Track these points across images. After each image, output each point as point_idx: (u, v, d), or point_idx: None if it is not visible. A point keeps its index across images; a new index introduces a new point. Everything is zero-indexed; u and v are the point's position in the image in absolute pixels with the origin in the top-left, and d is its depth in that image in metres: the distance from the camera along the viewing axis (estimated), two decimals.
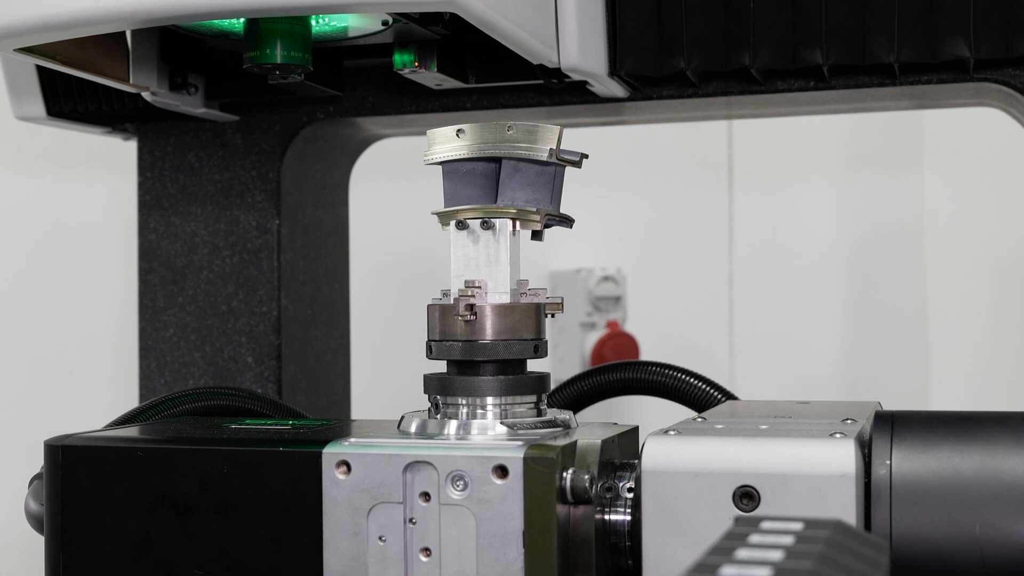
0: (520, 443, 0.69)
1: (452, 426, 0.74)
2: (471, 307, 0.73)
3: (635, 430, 0.79)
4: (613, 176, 2.04)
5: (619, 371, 0.93)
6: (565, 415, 0.77)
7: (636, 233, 2.20)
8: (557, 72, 0.95)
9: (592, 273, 2.03)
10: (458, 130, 0.76)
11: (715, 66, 0.96)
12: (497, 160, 0.75)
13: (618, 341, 2.03)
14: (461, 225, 0.75)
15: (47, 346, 1.48)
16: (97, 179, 1.52)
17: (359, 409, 1.32)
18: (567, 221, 0.77)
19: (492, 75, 1.01)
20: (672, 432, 0.71)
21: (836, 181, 2.48)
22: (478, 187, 0.76)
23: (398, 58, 0.93)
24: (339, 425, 0.80)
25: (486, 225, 0.75)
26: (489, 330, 0.74)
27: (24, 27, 0.76)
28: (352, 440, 0.71)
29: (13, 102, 1.14)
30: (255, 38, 0.86)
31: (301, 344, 1.19)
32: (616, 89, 1.00)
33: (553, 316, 0.77)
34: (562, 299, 0.77)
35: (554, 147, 0.74)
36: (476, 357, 0.74)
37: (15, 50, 0.80)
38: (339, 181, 1.27)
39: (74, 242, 1.50)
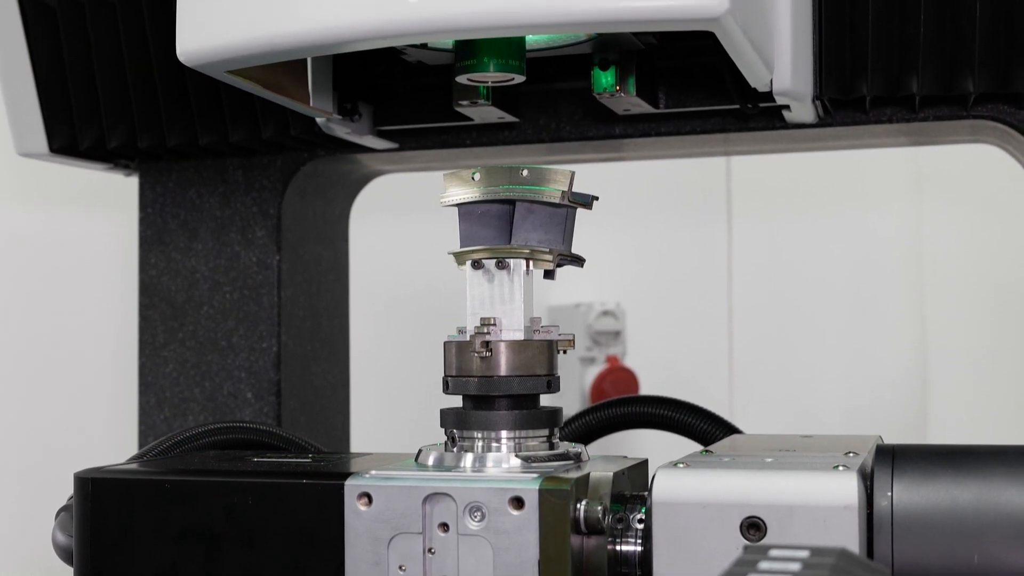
0: (535, 475, 0.75)
1: (468, 459, 0.79)
2: (487, 344, 0.79)
3: (644, 463, 0.85)
4: (612, 210, 2.09)
5: (627, 405, 1.00)
6: (577, 448, 0.83)
7: (635, 268, 2.26)
8: (753, 96, 1.00)
9: (592, 308, 2.09)
10: (473, 173, 0.82)
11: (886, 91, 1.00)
12: (511, 202, 0.82)
13: (618, 376, 2.08)
14: (477, 265, 0.81)
15: (48, 380, 1.52)
16: (98, 214, 1.57)
17: (358, 445, 1.36)
18: (578, 261, 0.83)
19: (683, 99, 1.05)
20: (681, 465, 0.77)
21: (834, 214, 2.54)
22: (493, 228, 0.82)
23: (601, 80, 0.97)
24: (358, 458, 0.86)
25: (501, 265, 0.81)
26: (504, 366, 0.80)
27: (258, 49, 0.81)
28: (373, 473, 0.77)
29: (15, 138, 1.18)
30: (469, 47, 0.89)
31: (301, 380, 1.24)
32: (808, 115, 1.05)
33: (565, 352, 0.83)
34: (573, 336, 0.83)
35: (566, 190, 0.81)
36: (492, 392, 0.80)
37: (226, 72, 0.86)
38: (339, 217, 1.32)
39: (75, 277, 1.55)
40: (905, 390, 2.56)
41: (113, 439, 1.50)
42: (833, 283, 2.53)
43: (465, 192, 0.82)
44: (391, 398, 1.66)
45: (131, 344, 1.28)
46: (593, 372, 2.10)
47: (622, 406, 1.00)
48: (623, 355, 2.16)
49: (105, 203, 1.55)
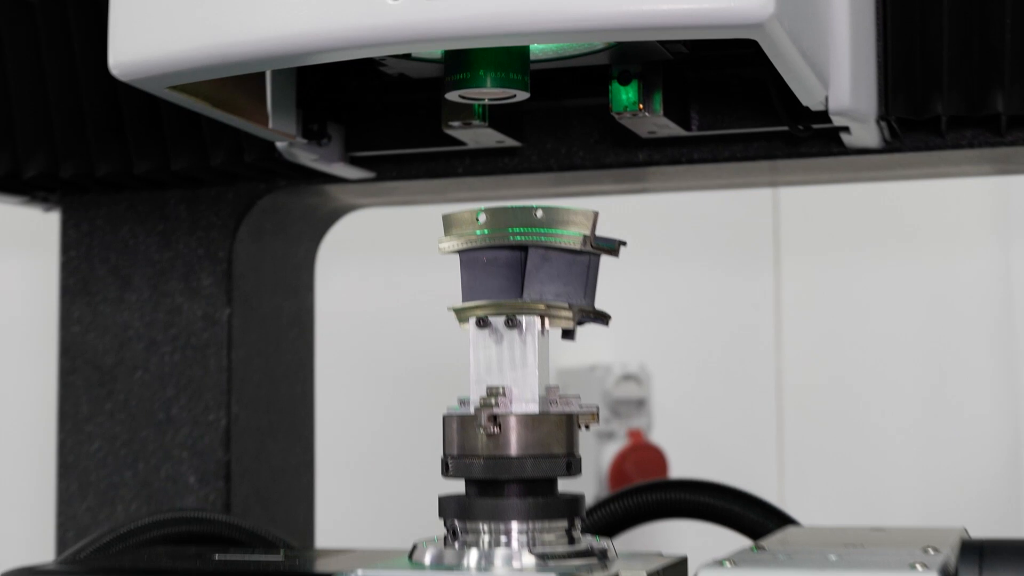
0: None
1: (473, 556, 0.79)
2: (495, 418, 0.79)
3: (683, 562, 0.86)
4: (634, 252, 2.10)
5: (660, 492, 1.00)
6: (602, 543, 0.83)
7: (663, 322, 2.27)
8: (804, 116, 1.01)
9: (610, 371, 2.09)
10: (478, 213, 0.82)
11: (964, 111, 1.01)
12: (523, 248, 0.82)
13: (642, 455, 2.08)
14: (482, 323, 0.81)
15: None
16: (10, 258, 1.58)
17: (324, 539, 1.36)
18: (603, 318, 0.84)
19: (719, 120, 1.06)
20: (728, 564, 0.77)
21: (904, 257, 2.55)
22: (501, 278, 0.82)
23: (621, 96, 0.97)
24: (338, 556, 0.86)
25: (511, 323, 0.81)
26: (515, 445, 0.80)
27: (206, 60, 0.81)
28: (360, 573, 0.77)
29: None
30: (462, 58, 0.89)
31: (255, 460, 1.24)
32: (871, 138, 1.06)
33: (587, 427, 0.83)
34: (597, 408, 0.83)
35: (588, 233, 0.81)
36: (501, 476, 0.80)
37: (168, 88, 0.86)
38: (303, 261, 1.33)
39: None
40: (994, 473, 2.55)
41: (25, 532, 1.49)
42: (904, 340, 2.54)
43: (469, 236, 0.83)
44: (365, 482, 1.66)
45: (49, 416, 1.28)
46: (612, 450, 2.10)
47: (654, 492, 1.01)
48: (648, 429, 2.16)
49: (18, 244, 1.56)
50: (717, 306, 2.38)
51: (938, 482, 2.52)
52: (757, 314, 2.43)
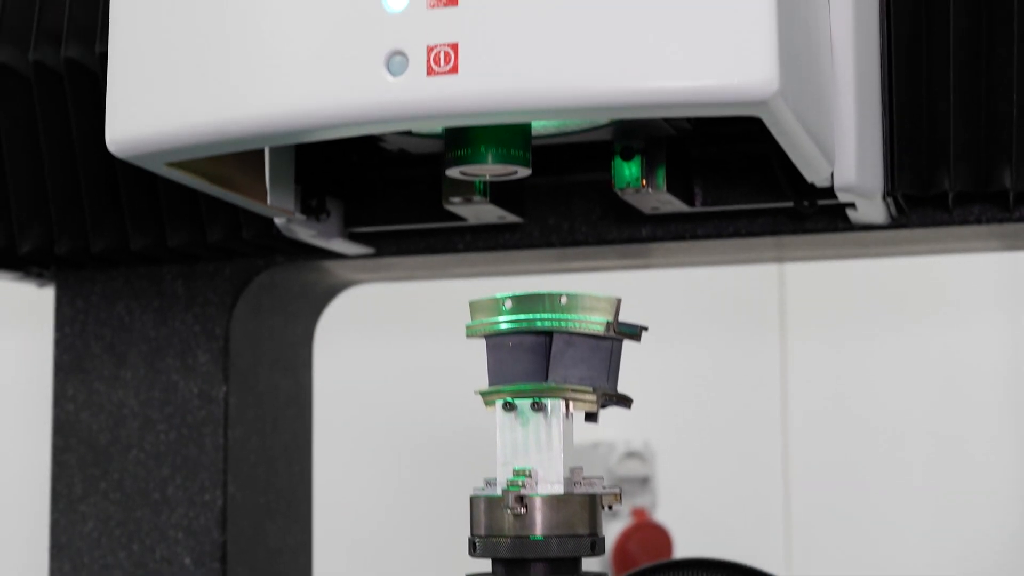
0: None
1: None
2: (521, 499, 0.82)
3: None
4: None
5: (674, 572, 1.00)
6: None
7: (667, 399, 2.26)
8: (810, 192, 1.01)
9: (614, 448, 2.08)
10: (503, 299, 0.86)
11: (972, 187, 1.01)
12: (548, 333, 0.85)
13: (646, 534, 2.07)
14: (508, 406, 0.85)
15: None
16: (4, 333, 1.57)
17: None
18: (625, 401, 0.87)
19: (723, 196, 1.07)
20: None
21: (912, 334, 2.54)
22: (526, 363, 0.86)
23: (624, 172, 0.98)
24: None
25: (536, 407, 0.84)
26: (540, 524, 0.83)
27: (205, 137, 0.82)
28: None
29: None
30: (463, 135, 0.91)
31: (252, 541, 1.23)
32: (878, 214, 1.06)
33: (611, 508, 0.86)
34: (620, 490, 0.86)
35: (611, 319, 0.84)
36: (527, 555, 0.83)
37: (166, 165, 0.87)
38: (301, 338, 1.32)
39: None
40: (1010, 553, 2.53)
41: None
42: (911, 416, 2.52)
43: (494, 321, 0.86)
44: (363, 564, 1.65)
45: (42, 496, 1.27)
46: (615, 529, 2.08)
47: (668, 573, 1.00)
48: (653, 507, 2.15)
49: (12, 321, 1.55)
50: (722, 382, 2.37)
51: (947, 561, 2.49)
52: (762, 390, 2.42)
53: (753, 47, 0.75)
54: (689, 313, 2.38)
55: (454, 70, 0.77)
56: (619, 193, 1.00)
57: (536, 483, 0.83)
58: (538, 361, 0.86)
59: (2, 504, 1.55)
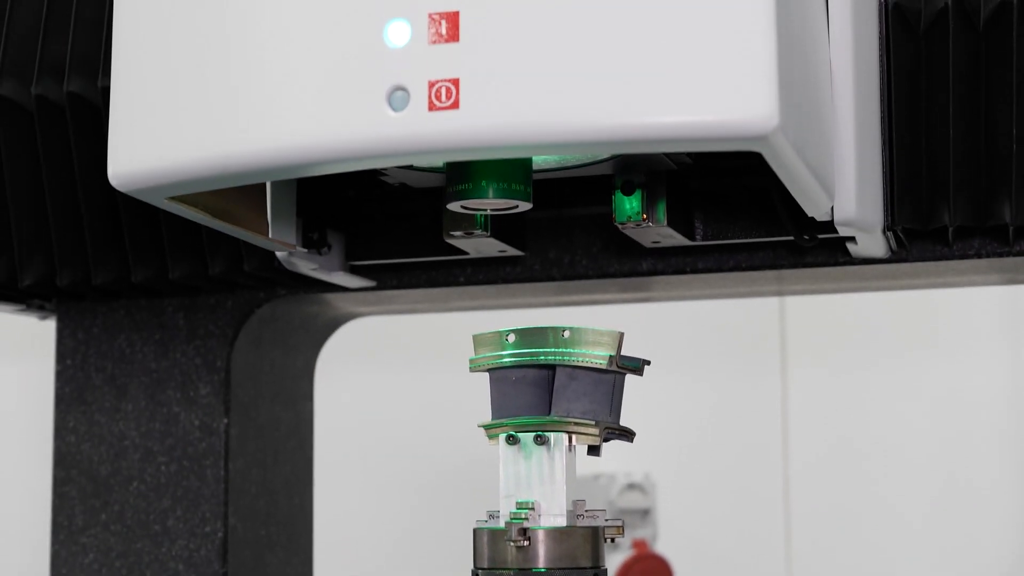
0: None
1: None
2: (524, 531, 0.83)
3: None
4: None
5: None
6: None
7: (668, 431, 2.25)
8: (810, 226, 1.02)
9: (614, 480, 2.07)
10: (507, 334, 0.86)
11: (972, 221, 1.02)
12: (551, 367, 0.86)
13: (647, 565, 2.06)
14: (512, 439, 0.85)
15: None
16: (5, 366, 1.57)
17: None
18: (628, 435, 0.88)
19: (724, 229, 1.07)
20: None
21: (913, 366, 2.54)
22: (529, 396, 0.87)
23: (625, 206, 0.99)
24: None
25: (540, 440, 0.85)
26: (544, 557, 0.84)
27: (206, 172, 0.82)
28: None
29: None
30: (464, 169, 0.91)
31: (252, 573, 1.23)
32: (878, 248, 1.06)
33: (613, 541, 0.88)
34: (623, 522, 0.88)
35: (614, 353, 0.85)
36: None
37: (167, 199, 0.87)
38: (302, 370, 1.32)
39: None
40: None
41: None
42: (914, 451, 2.52)
43: (497, 355, 0.87)
44: None
45: (43, 527, 1.27)
46: (616, 560, 2.07)
47: None
48: (654, 539, 2.14)
49: (13, 353, 1.56)
50: (723, 415, 2.38)
51: None
52: (763, 423, 2.42)
53: (753, 82, 0.75)
54: (690, 346, 2.38)
55: (455, 105, 0.77)
56: (620, 227, 1.00)
57: (539, 516, 0.84)
58: (541, 394, 0.87)
59: (3, 535, 1.55)
